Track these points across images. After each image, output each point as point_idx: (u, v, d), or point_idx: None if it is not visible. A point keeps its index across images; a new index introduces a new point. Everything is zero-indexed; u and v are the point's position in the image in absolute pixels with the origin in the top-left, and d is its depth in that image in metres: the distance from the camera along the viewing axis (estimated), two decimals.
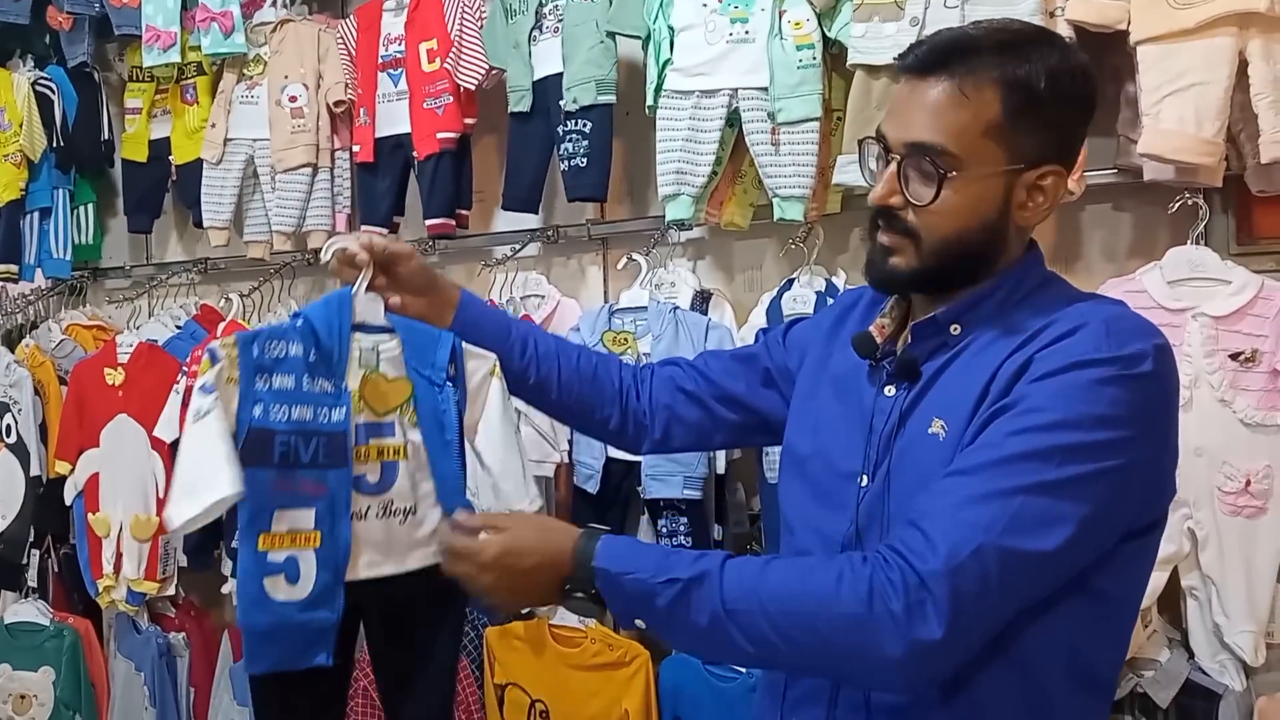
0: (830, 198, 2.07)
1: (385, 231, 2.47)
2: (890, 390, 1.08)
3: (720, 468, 2.05)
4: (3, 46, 2.89)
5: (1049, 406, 0.93)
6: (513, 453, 1.24)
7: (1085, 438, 0.92)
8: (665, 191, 2.01)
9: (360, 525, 1.16)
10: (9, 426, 2.77)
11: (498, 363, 1.24)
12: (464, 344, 1.22)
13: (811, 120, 1.93)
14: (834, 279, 2.08)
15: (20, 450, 2.75)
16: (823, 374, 1.17)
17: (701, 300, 2.17)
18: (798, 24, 1.96)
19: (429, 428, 1.19)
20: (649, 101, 2.04)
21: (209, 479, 1.06)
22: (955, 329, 1.05)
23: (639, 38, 2.07)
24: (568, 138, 2.15)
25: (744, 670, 2.01)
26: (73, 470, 2.66)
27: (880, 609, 0.91)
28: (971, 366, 1.01)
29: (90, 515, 2.63)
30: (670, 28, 2.00)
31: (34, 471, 2.75)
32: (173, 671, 2.65)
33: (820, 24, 1.96)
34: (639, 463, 2.07)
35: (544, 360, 1.30)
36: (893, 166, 1.04)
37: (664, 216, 2.09)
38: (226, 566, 2.46)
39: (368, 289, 1.19)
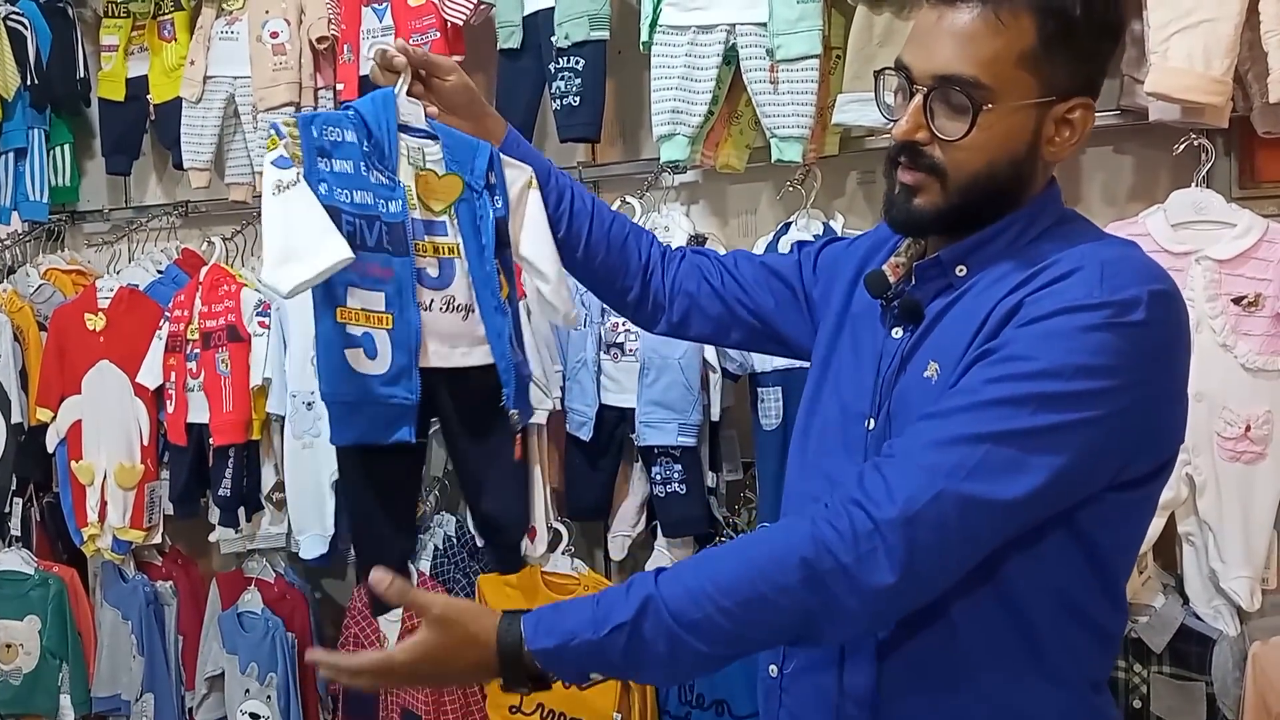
0: (829, 139, 2.03)
1: None
2: (897, 332, 1.06)
3: (715, 414, 2.03)
4: None
5: (1030, 353, 0.90)
6: (558, 262, 1.25)
7: (1064, 386, 0.89)
8: (660, 131, 1.96)
9: (427, 316, 1.15)
10: None
11: (534, 175, 1.23)
12: (501, 155, 1.21)
13: (811, 57, 1.88)
14: (832, 222, 2.05)
15: (0, 397, 2.70)
16: (845, 313, 1.15)
17: (696, 245, 2.12)
18: None
19: (467, 232, 1.18)
20: (643, 38, 1.98)
21: (315, 244, 1.05)
22: (961, 270, 1.02)
23: None
24: (559, 75, 2.09)
25: None
26: (54, 417, 2.61)
27: (829, 566, 0.89)
28: (971, 309, 0.99)
29: (73, 463, 2.58)
30: None
31: (15, 419, 2.70)
32: (160, 620, 2.63)
33: None
34: (632, 409, 2.05)
35: (578, 216, 1.28)
36: (918, 99, 0.99)
37: (658, 158, 2.04)
38: (213, 515, 2.43)
39: (409, 94, 1.18)
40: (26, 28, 2.71)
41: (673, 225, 2.17)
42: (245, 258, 2.64)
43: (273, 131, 1.09)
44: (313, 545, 2.33)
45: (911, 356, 1.02)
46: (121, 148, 2.72)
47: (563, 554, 2.18)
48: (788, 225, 2.06)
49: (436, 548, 2.37)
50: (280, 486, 2.40)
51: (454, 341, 1.17)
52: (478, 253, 1.19)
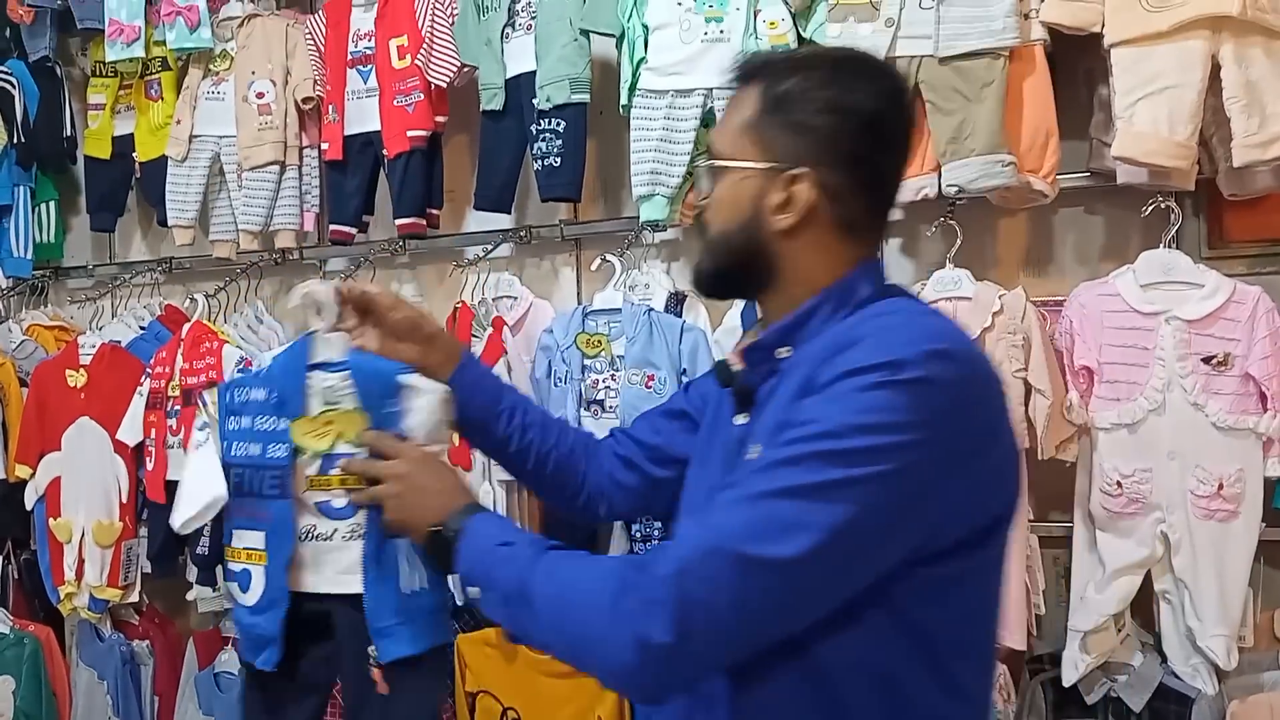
0: None
1: (354, 233, 2.43)
2: (738, 419, 1.07)
3: None
4: None
5: (811, 417, 0.92)
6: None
7: (841, 444, 0.89)
8: (640, 192, 1.99)
9: (322, 546, 1.31)
10: None
11: (446, 395, 1.26)
12: (412, 377, 1.25)
13: None
14: None
15: None
16: (716, 408, 1.16)
17: (676, 302, 2.16)
18: (773, 24, 1.96)
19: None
20: (623, 101, 2.02)
21: (204, 486, 1.31)
22: (783, 352, 1.04)
23: (613, 36, 2.05)
24: (541, 136, 2.12)
25: None
26: (33, 474, 2.60)
27: (620, 606, 0.90)
28: (787, 389, 1.00)
29: (51, 520, 2.57)
30: (645, 26, 1.98)
31: None
32: (136, 680, 2.60)
33: (795, 24, 1.95)
34: None
35: (528, 430, 1.32)
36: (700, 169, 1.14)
37: (638, 217, 2.07)
38: (191, 573, 2.41)
39: (340, 329, 1.28)
40: (14, 86, 2.74)
41: (653, 283, 2.20)
42: (228, 314, 2.64)
43: (200, 403, 1.42)
44: None
45: (745, 441, 1.02)
46: (106, 205, 2.74)
47: None
48: None
49: None
50: None
51: (354, 568, 1.30)
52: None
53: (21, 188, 2.79)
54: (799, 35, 1.94)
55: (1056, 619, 1.93)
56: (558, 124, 2.10)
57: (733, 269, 1.07)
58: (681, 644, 0.88)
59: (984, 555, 0.97)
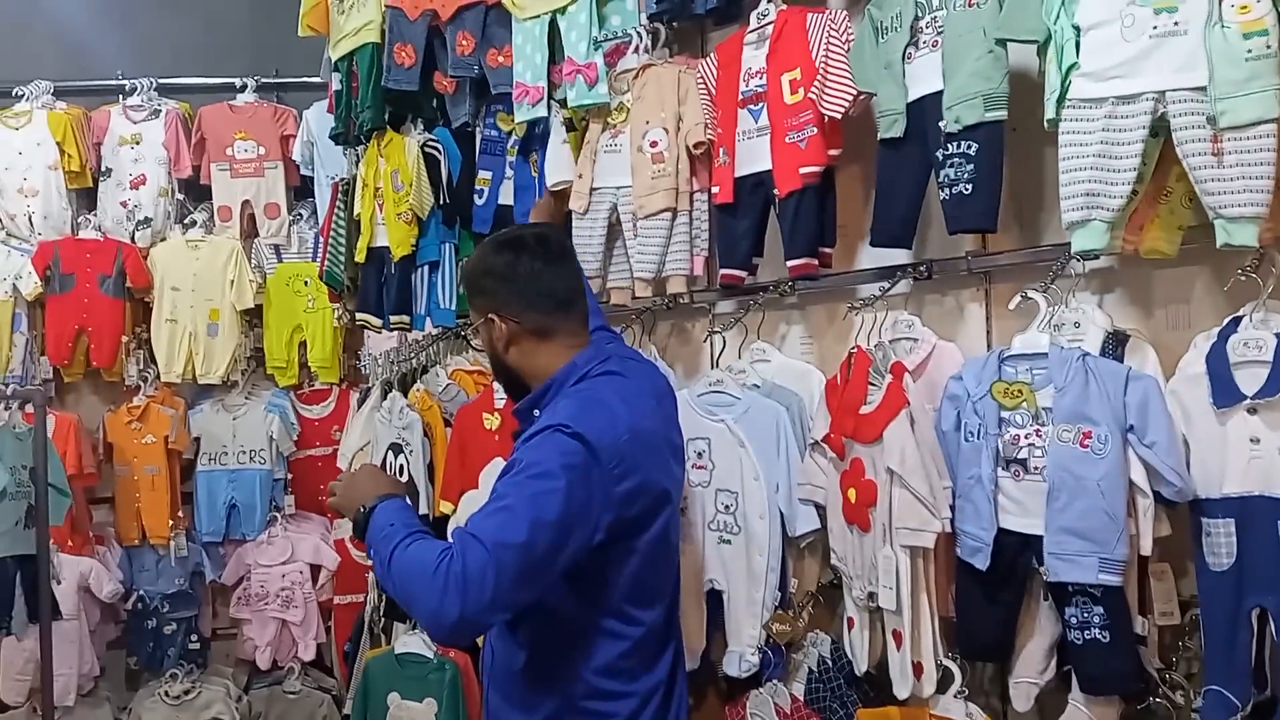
0: None
1: (744, 276, 2.36)
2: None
3: (1146, 549, 1.71)
4: (396, 112, 3.15)
5: (520, 458, 1.66)
6: None
7: (530, 472, 1.62)
8: (1072, 218, 1.71)
9: None
10: (401, 466, 2.97)
11: None
12: None
13: (1266, 122, 1.55)
14: None
15: (411, 489, 2.94)
16: None
17: (1115, 344, 1.83)
18: (1244, 7, 1.59)
19: None
20: (1049, 115, 1.75)
21: None
22: (536, 412, 1.78)
23: (1036, 42, 1.79)
24: (949, 162, 1.90)
25: None
26: (455, 510, 2.79)
27: (438, 582, 1.54)
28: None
29: None
30: (1076, 27, 1.70)
31: (422, 510, 2.92)
32: None
33: (1275, 4, 1.58)
34: (1037, 536, 1.78)
35: None
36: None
37: (1065, 245, 1.78)
38: None
39: None
40: (440, 152, 3.00)
41: (1084, 320, 1.89)
42: None
43: None
44: None
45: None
46: None
47: (955, 696, 1.92)
48: (1238, 320, 1.70)
49: (810, 670, 2.20)
50: None
51: None
52: None
53: (447, 245, 3.05)
54: (1279, 18, 1.57)
55: None
56: (969, 146, 1.87)
57: (503, 375, 1.92)
58: (473, 605, 1.53)
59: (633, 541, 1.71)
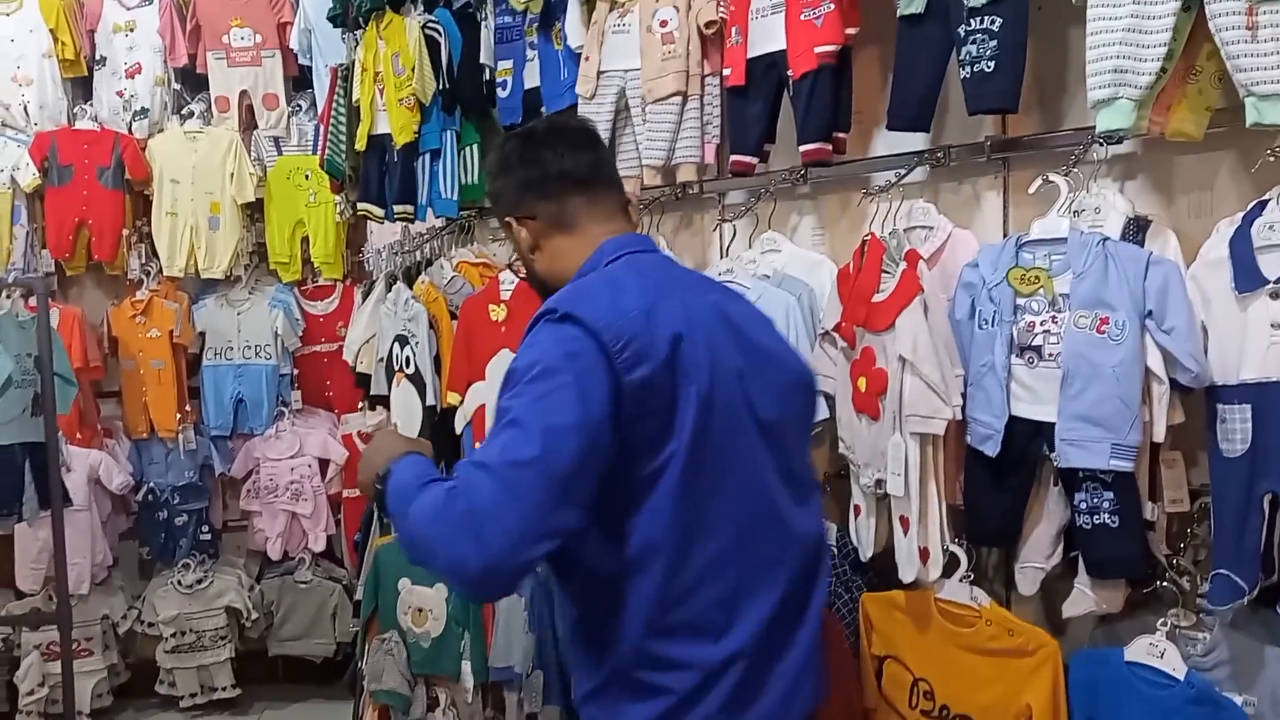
0: None
1: (755, 162, 2.30)
2: None
3: (1159, 435, 1.69)
4: None
5: (515, 365, 1.37)
6: None
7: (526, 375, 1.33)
8: (1098, 96, 1.64)
9: None
10: (408, 358, 2.96)
11: None
12: None
13: None
14: None
15: (418, 380, 2.94)
16: None
17: (1136, 229, 1.79)
18: None
19: None
20: None
21: None
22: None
23: None
24: (970, 39, 1.83)
25: (1181, 679, 1.67)
26: (462, 401, 2.79)
27: (444, 527, 1.28)
28: None
29: (477, 445, 2.74)
30: None
31: (429, 401, 2.92)
32: (550, 601, 2.72)
33: None
34: (1050, 424, 1.77)
35: None
36: None
37: (1087, 130, 1.73)
38: None
39: None
40: (440, 34, 2.90)
41: (1105, 205, 1.84)
42: None
43: None
44: None
45: None
46: None
47: (960, 581, 1.94)
48: (1263, 204, 1.65)
49: None
50: None
51: None
52: None
53: (448, 132, 2.97)
54: None
55: None
56: (993, 21, 1.80)
57: (531, 278, 1.67)
58: (494, 537, 1.25)
59: (624, 524, 1.38)
